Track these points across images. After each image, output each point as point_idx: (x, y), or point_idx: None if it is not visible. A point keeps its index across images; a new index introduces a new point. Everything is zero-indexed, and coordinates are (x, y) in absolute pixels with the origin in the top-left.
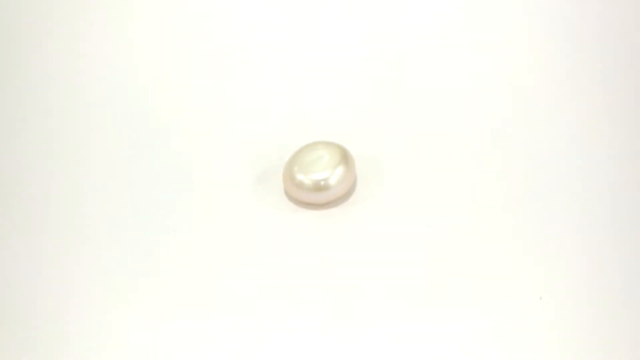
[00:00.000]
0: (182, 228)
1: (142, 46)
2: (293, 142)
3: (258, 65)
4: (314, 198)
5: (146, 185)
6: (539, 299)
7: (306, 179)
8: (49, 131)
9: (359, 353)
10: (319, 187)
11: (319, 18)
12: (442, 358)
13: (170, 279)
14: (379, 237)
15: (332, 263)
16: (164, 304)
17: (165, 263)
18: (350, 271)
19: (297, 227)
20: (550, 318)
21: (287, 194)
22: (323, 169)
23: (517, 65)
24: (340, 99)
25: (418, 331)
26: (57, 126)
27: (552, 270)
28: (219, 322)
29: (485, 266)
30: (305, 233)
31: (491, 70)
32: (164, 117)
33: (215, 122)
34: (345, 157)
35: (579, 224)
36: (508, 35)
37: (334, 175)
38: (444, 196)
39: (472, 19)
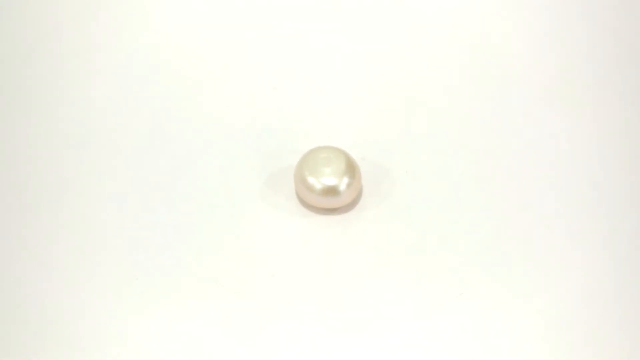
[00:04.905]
0: (192, 230)
1: (150, 47)
2: (302, 147)
3: (269, 68)
4: (324, 202)
5: (156, 189)
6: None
7: (317, 183)
8: (59, 131)
9: (361, 354)
10: (331, 192)
11: (333, 25)
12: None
13: (180, 280)
14: (386, 242)
15: (340, 267)
16: (172, 305)
17: (175, 264)
18: (357, 274)
19: (306, 231)
20: (546, 321)
21: (298, 196)
22: (334, 174)
23: (523, 70)
24: (350, 105)
25: (421, 334)
26: (65, 126)
27: (553, 275)
28: (226, 322)
29: (487, 269)
30: (315, 237)
31: (499, 78)
32: (174, 121)
33: (226, 125)
34: (354, 165)
35: (577, 228)
36: (512, 41)
37: (345, 180)
38: (449, 201)
39: (476, 25)
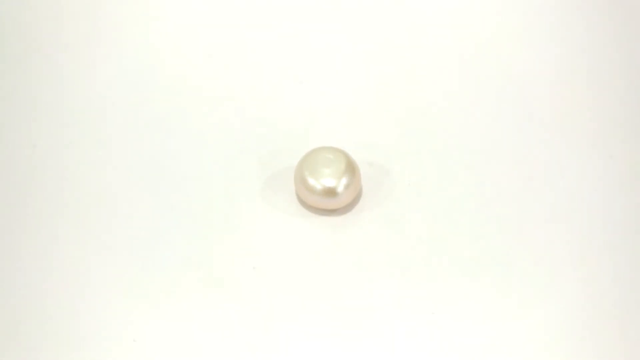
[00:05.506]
0: (192, 229)
1: (153, 49)
2: (302, 147)
3: (270, 69)
4: (323, 203)
5: (155, 189)
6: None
7: (317, 184)
8: (59, 131)
9: (359, 355)
10: (329, 193)
11: (333, 25)
12: None
13: (180, 280)
14: (385, 244)
15: (339, 267)
16: (171, 305)
17: (174, 264)
18: (356, 275)
19: (306, 232)
20: (546, 331)
21: (298, 197)
22: (334, 175)
23: (523, 73)
24: (350, 106)
25: (418, 337)
26: (65, 126)
27: (555, 283)
28: (226, 322)
29: (487, 271)
30: (314, 238)
31: (502, 80)
32: (174, 121)
33: (226, 125)
34: (354, 166)
35: (577, 235)
36: (515, 43)
37: (343, 181)
38: (449, 203)
39: (478, 27)
